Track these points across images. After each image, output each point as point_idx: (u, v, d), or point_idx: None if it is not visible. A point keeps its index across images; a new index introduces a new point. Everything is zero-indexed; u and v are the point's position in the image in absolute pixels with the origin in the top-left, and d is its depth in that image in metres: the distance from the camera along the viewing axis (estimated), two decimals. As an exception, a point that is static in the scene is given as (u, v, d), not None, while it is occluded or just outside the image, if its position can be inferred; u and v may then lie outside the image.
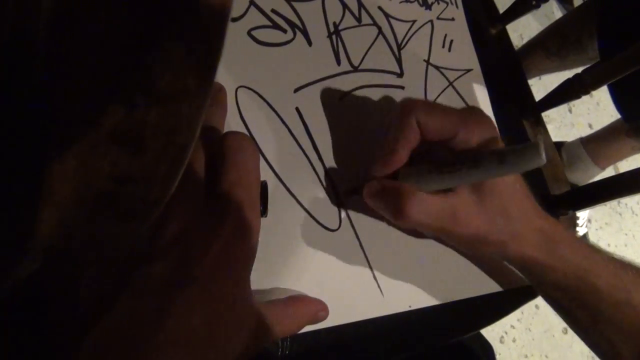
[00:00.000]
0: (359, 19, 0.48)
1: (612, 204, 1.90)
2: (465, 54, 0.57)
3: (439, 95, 0.51)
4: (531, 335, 1.50)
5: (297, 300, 0.33)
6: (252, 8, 0.41)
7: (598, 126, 1.74)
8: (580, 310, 0.41)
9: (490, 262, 0.46)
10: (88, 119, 0.12)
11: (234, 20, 0.39)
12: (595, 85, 0.59)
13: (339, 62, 0.45)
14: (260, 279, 0.34)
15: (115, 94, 0.12)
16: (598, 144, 1.49)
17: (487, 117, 0.39)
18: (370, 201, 0.38)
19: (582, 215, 1.63)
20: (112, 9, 0.11)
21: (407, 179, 0.37)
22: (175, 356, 0.22)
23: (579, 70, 0.64)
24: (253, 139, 0.38)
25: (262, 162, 0.37)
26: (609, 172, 1.56)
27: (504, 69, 0.63)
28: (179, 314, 0.23)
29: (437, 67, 0.52)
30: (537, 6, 0.64)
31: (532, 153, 0.31)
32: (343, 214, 0.40)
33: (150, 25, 0.11)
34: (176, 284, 0.23)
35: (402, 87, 0.48)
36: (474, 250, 0.41)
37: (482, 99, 0.56)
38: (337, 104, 0.43)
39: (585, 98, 0.62)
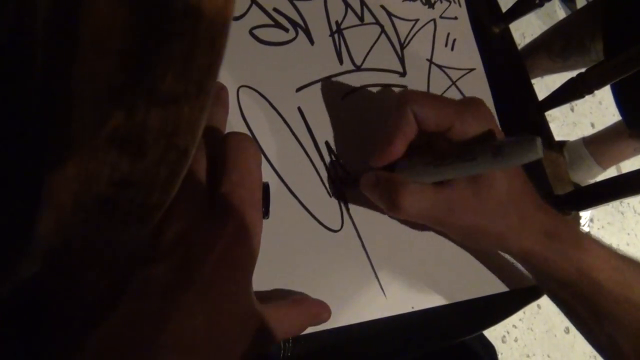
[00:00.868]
0: (361, 18, 0.48)
1: (615, 203, 1.90)
2: (468, 53, 0.56)
3: (442, 94, 0.51)
4: (533, 335, 1.50)
5: (300, 301, 0.33)
6: (254, 7, 0.41)
7: (600, 125, 1.73)
8: (581, 305, 0.40)
9: (493, 263, 0.46)
10: (88, 122, 0.12)
11: (236, 19, 0.39)
12: (599, 85, 0.59)
13: (341, 61, 0.44)
14: (262, 280, 0.34)
15: (115, 97, 0.11)
16: (600, 144, 1.48)
17: (485, 108, 0.39)
18: (366, 192, 0.38)
19: (585, 214, 1.62)
20: (113, 10, 0.10)
21: (403, 171, 0.37)
22: (177, 359, 0.22)
23: (582, 71, 0.63)
24: (255, 138, 0.37)
25: (264, 162, 0.37)
26: (611, 171, 1.56)
27: (507, 68, 0.63)
28: (181, 316, 0.22)
29: (440, 67, 0.52)
30: (541, 5, 0.64)
31: (529, 146, 0.30)
32: (345, 214, 0.39)
33: (151, 27, 0.11)
34: (178, 286, 0.23)
35: (405, 87, 0.48)
36: (471, 242, 0.41)
37: (485, 98, 0.55)
38: (339, 104, 0.43)
39: (587, 97, 0.62)
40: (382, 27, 0.49)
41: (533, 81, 0.69)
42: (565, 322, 1.54)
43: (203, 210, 0.25)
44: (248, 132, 0.37)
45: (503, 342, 1.43)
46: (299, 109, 0.40)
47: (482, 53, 0.57)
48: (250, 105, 0.38)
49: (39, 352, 0.22)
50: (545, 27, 1.36)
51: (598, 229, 1.82)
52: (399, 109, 0.37)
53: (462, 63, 0.55)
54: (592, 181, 1.55)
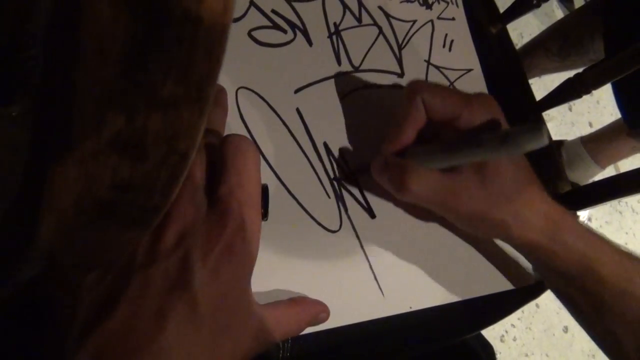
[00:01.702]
0: (359, 19, 0.48)
1: (613, 202, 1.90)
2: (465, 54, 0.56)
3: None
4: (531, 334, 1.50)
5: (298, 302, 0.33)
6: (252, 8, 0.41)
7: (598, 124, 1.73)
8: (583, 298, 0.40)
9: (491, 262, 0.46)
10: (88, 127, 0.12)
11: (234, 20, 0.39)
12: (597, 85, 0.59)
13: (339, 63, 0.45)
14: (261, 280, 0.34)
15: (116, 102, 0.12)
16: (598, 143, 1.49)
17: (492, 100, 0.40)
18: (376, 176, 0.39)
19: (583, 214, 1.62)
20: (113, 17, 0.10)
21: (413, 157, 0.38)
22: (176, 360, 0.22)
23: (580, 70, 0.63)
24: (253, 139, 0.38)
25: (263, 163, 0.37)
26: (609, 170, 1.56)
27: (505, 68, 0.63)
28: (180, 317, 0.22)
29: (437, 67, 0.52)
30: (538, 5, 0.64)
31: (534, 134, 0.31)
32: (344, 215, 0.39)
33: (151, 33, 0.11)
34: (177, 287, 0.23)
35: (403, 87, 0.48)
36: (473, 228, 0.41)
37: (483, 99, 0.55)
38: (337, 105, 0.43)
39: (585, 96, 0.62)
40: (380, 28, 0.49)
41: (531, 81, 0.69)
42: (564, 321, 1.54)
43: (202, 212, 0.26)
44: (247, 134, 0.37)
45: (501, 341, 1.43)
46: (298, 110, 0.40)
47: (480, 53, 0.58)
48: (248, 107, 0.38)
49: (38, 354, 0.22)
50: (543, 27, 1.36)
51: (596, 228, 1.82)
52: (410, 98, 0.38)
53: (459, 64, 0.55)
54: (590, 180, 1.56)
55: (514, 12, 0.65)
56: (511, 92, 0.63)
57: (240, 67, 0.39)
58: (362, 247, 0.39)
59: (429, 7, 0.55)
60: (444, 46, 0.54)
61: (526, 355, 1.47)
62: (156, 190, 0.14)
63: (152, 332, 0.22)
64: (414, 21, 0.53)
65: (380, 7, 0.50)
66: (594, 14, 1.12)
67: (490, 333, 1.41)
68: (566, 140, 1.61)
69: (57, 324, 0.22)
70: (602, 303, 0.39)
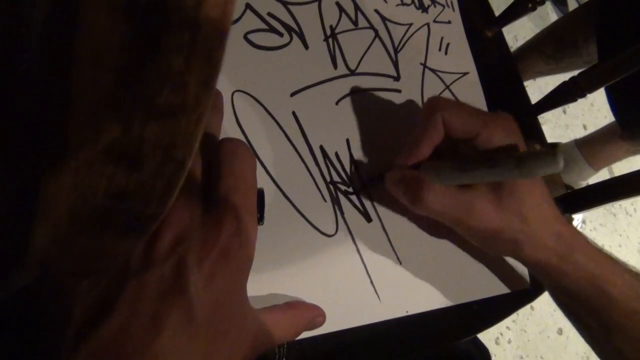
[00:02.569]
0: (355, 22, 0.48)
1: (607, 205, 1.91)
2: (461, 57, 0.57)
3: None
4: (526, 337, 1.51)
5: (294, 306, 0.33)
6: (248, 11, 0.41)
7: (592, 127, 1.74)
8: (592, 318, 0.41)
9: (486, 267, 0.46)
10: (84, 135, 0.12)
11: (230, 23, 0.39)
12: (592, 88, 0.59)
13: (335, 66, 0.45)
14: (256, 285, 0.34)
15: (112, 110, 0.11)
16: (592, 146, 1.49)
17: (512, 121, 0.40)
18: (391, 187, 0.40)
19: (577, 216, 1.63)
20: (110, 25, 0.10)
21: (427, 171, 0.38)
22: (172, 366, 0.22)
23: (574, 73, 0.64)
24: (249, 143, 0.37)
25: (259, 167, 0.37)
26: (603, 173, 1.57)
27: (500, 72, 0.63)
28: (176, 323, 0.22)
29: (433, 71, 0.52)
30: (533, 9, 0.64)
31: (550, 159, 0.31)
32: (340, 219, 0.39)
33: (148, 41, 0.11)
34: (173, 292, 0.23)
35: (399, 91, 0.48)
36: (487, 246, 0.41)
37: (478, 102, 0.56)
38: (333, 108, 0.43)
39: (579, 99, 0.63)
40: (376, 31, 0.49)
41: (526, 84, 0.69)
42: (559, 324, 1.55)
43: (198, 217, 0.25)
44: (242, 137, 0.37)
45: (496, 343, 1.44)
46: (294, 113, 0.40)
47: (476, 57, 0.58)
48: (244, 110, 0.38)
49: (32, 360, 0.22)
50: (537, 30, 1.37)
51: (590, 230, 1.83)
52: (429, 114, 0.38)
53: (455, 67, 0.55)
54: (584, 183, 1.56)
55: (510, 15, 0.65)
56: (507, 95, 0.63)
57: (236, 70, 0.39)
58: (358, 251, 0.39)
59: (425, 10, 0.55)
60: (439, 49, 0.55)
61: (521, 357, 1.48)
62: (152, 199, 0.14)
63: (148, 338, 0.22)
64: (410, 24, 0.53)
65: (376, 10, 0.50)
66: (587, 17, 1.12)
67: (485, 335, 1.41)
68: (560, 143, 1.62)
69: (51, 330, 0.22)
70: (612, 323, 0.40)
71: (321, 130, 0.41)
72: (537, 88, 1.73)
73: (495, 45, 0.65)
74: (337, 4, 0.47)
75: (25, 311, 0.21)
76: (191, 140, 0.13)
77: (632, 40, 0.59)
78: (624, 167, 1.63)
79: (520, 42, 1.43)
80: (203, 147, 0.28)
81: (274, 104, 0.40)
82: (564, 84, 0.62)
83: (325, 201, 0.39)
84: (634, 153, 1.40)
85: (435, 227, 0.44)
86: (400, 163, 0.39)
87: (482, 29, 0.64)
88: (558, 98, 0.63)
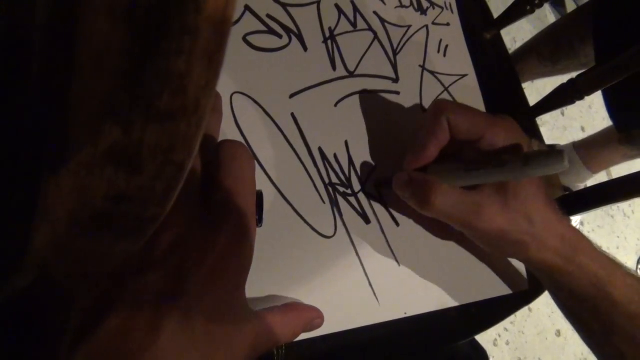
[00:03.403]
0: (354, 24, 0.48)
1: (605, 207, 1.91)
2: (460, 60, 0.57)
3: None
4: (524, 338, 1.51)
5: (293, 307, 0.33)
6: (248, 13, 0.41)
7: (590, 129, 1.75)
8: (594, 320, 0.41)
9: (485, 269, 0.46)
10: (84, 139, 0.12)
11: (229, 25, 0.39)
12: (590, 91, 0.59)
13: (334, 68, 0.45)
14: (255, 286, 0.34)
15: (112, 114, 0.11)
16: (590, 149, 1.50)
17: (515, 123, 0.41)
18: (399, 190, 0.40)
19: (575, 218, 1.63)
20: (110, 29, 0.10)
21: (434, 174, 0.39)
22: (170, 369, 0.22)
23: (571, 75, 0.64)
24: (248, 145, 0.37)
25: (258, 169, 0.37)
26: (601, 176, 1.57)
27: (499, 74, 0.64)
28: (174, 326, 0.22)
29: (432, 73, 0.52)
30: (532, 11, 0.65)
31: (556, 158, 0.32)
32: (338, 220, 0.39)
33: (148, 45, 0.11)
34: (171, 295, 0.23)
35: (398, 93, 0.48)
36: (493, 248, 0.42)
37: (477, 104, 0.56)
38: (332, 110, 0.43)
39: (577, 101, 0.63)
40: (375, 33, 0.49)
41: (524, 85, 0.69)
42: (557, 325, 1.55)
43: (196, 219, 0.25)
44: (241, 139, 0.37)
45: (495, 345, 1.44)
46: (293, 115, 0.40)
47: (474, 59, 0.58)
48: (243, 112, 0.38)
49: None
50: (536, 32, 1.37)
51: (588, 232, 1.84)
52: (435, 117, 0.39)
53: (454, 69, 0.55)
54: (581, 185, 1.57)
55: (508, 17, 0.65)
56: (505, 97, 0.63)
57: (235, 72, 0.39)
58: (356, 252, 0.39)
59: (424, 12, 0.55)
60: (438, 51, 0.55)
61: (519, 359, 1.48)
62: (152, 202, 0.14)
63: (146, 341, 0.22)
64: (409, 26, 0.53)
65: (375, 13, 0.50)
66: (584, 19, 1.13)
67: (483, 337, 1.41)
68: (559, 145, 1.62)
69: (49, 333, 0.22)
70: (613, 325, 0.40)
71: (320, 132, 0.41)
72: (535, 90, 1.73)
73: (494, 47, 0.65)
74: (336, 5, 0.47)
75: (24, 312, 0.21)
76: (191, 144, 0.13)
77: (628, 42, 0.60)
78: (622, 170, 1.64)
79: (519, 44, 1.43)
80: (202, 149, 0.28)
81: (273, 106, 0.40)
82: (562, 86, 0.63)
83: (324, 203, 0.39)
84: (632, 157, 1.40)
85: (433, 229, 0.44)
86: (407, 166, 0.40)
87: (480, 31, 0.64)
88: (556, 100, 0.63)
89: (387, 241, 0.41)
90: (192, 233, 0.25)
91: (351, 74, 0.45)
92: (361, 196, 0.41)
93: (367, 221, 0.41)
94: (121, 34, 0.10)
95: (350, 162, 0.42)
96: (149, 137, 0.12)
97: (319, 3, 0.46)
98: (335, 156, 0.41)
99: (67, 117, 0.11)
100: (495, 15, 0.67)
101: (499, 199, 0.38)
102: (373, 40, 0.49)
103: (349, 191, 0.41)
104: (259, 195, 0.30)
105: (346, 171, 0.41)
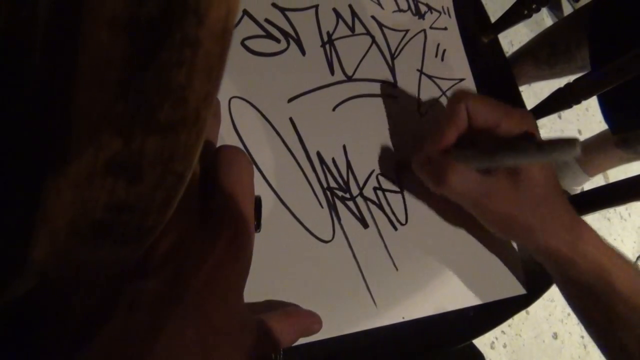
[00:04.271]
0: (352, 29, 0.48)
1: (601, 209, 1.91)
2: (457, 64, 0.57)
3: (432, 105, 0.51)
4: (521, 341, 1.51)
5: (291, 313, 0.33)
6: (246, 18, 0.41)
7: (587, 132, 1.75)
8: (597, 310, 0.42)
9: (483, 273, 0.46)
10: (84, 149, 0.12)
11: (228, 30, 0.39)
12: (587, 95, 0.60)
13: (332, 72, 0.45)
14: (254, 291, 0.34)
15: (112, 125, 0.11)
16: (587, 152, 1.50)
17: (531, 116, 0.43)
18: (418, 169, 0.42)
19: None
20: (112, 41, 0.10)
21: (451, 157, 0.40)
22: (169, 374, 0.22)
23: (568, 78, 0.64)
24: (246, 149, 0.37)
25: (256, 174, 0.37)
26: (597, 179, 1.58)
27: (496, 78, 0.64)
28: (172, 330, 0.22)
29: (430, 77, 0.53)
30: (529, 16, 0.65)
31: (569, 145, 0.34)
32: (337, 225, 0.39)
33: (149, 56, 0.11)
34: (169, 300, 0.23)
35: (396, 97, 0.48)
36: (502, 231, 0.43)
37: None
38: (330, 114, 0.43)
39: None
40: (373, 37, 0.49)
41: (521, 89, 0.69)
42: (554, 328, 1.55)
43: (195, 224, 0.25)
44: (239, 143, 0.37)
45: (492, 348, 1.44)
46: (291, 119, 0.40)
47: (472, 63, 0.58)
48: (242, 116, 0.38)
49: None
50: (532, 35, 1.38)
51: (585, 234, 1.83)
52: (454, 104, 0.41)
53: (452, 73, 0.55)
54: (578, 189, 1.57)
55: (506, 21, 0.66)
56: (503, 101, 0.63)
57: (233, 77, 0.39)
58: (354, 257, 0.39)
59: (422, 16, 0.55)
60: (436, 56, 0.55)
61: (516, 361, 1.48)
62: (152, 211, 0.14)
63: (145, 346, 0.22)
64: (407, 31, 0.53)
65: (373, 17, 0.50)
66: (580, 23, 1.13)
67: (480, 340, 1.41)
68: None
69: (48, 339, 0.21)
70: (616, 315, 0.41)
71: (318, 136, 0.41)
72: (532, 93, 1.74)
73: (491, 51, 0.65)
74: (334, 10, 0.47)
75: (24, 318, 0.21)
76: (191, 154, 0.13)
77: (624, 46, 0.60)
78: (618, 173, 1.64)
79: (516, 48, 1.43)
80: (200, 154, 0.28)
81: (271, 110, 0.40)
82: (558, 90, 0.63)
83: (322, 207, 0.39)
84: (628, 161, 1.41)
85: (432, 233, 0.44)
86: (426, 149, 0.42)
87: (478, 35, 0.64)
88: (553, 104, 0.64)
89: (385, 245, 0.41)
90: (190, 238, 0.25)
91: (349, 78, 0.45)
92: (359, 200, 0.41)
93: (365, 225, 0.41)
94: (122, 44, 0.10)
95: (349, 166, 0.42)
96: (149, 147, 0.12)
97: (317, 7, 0.46)
98: (333, 160, 0.41)
99: (67, 128, 0.11)
100: (493, 19, 0.67)
101: (511, 182, 0.40)
102: (371, 45, 0.49)
103: (347, 195, 0.41)
104: (257, 200, 0.30)
105: (344, 175, 0.41)
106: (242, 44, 0.40)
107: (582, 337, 1.56)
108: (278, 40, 0.42)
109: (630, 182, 0.54)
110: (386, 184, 0.43)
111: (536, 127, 0.42)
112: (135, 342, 0.22)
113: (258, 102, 0.39)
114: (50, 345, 0.22)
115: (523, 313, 1.53)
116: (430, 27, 0.56)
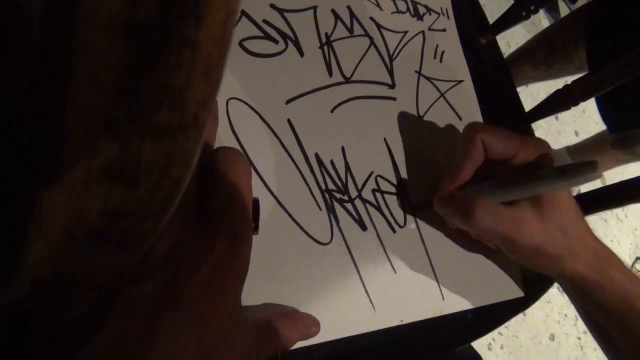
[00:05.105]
0: (351, 30, 0.48)
1: (598, 211, 1.92)
2: (456, 66, 0.57)
3: (430, 107, 0.51)
4: (519, 342, 1.51)
5: (289, 316, 0.32)
6: (244, 19, 0.41)
7: (584, 133, 1.75)
8: (622, 335, 0.42)
9: (481, 276, 0.46)
10: (80, 154, 0.11)
11: (226, 31, 0.39)
12: (585, 97, 0.60)
13: (331, 74, 0.44)
14: (252, 294, 0.33)
15: (109, 130, 0.11)
16: (584, 154, 1.50)
17: (547, 144, 0.43)
18: (441, 208, 0.41)
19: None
20: (108, 44, 0.10)
21: (472, 192, 0.40)
22: (165, 379, 0.21)
23: (566, 79, 0.64)
24: (244, 151, 0.37)
25: (254, 176, 0.37)
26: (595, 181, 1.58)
27: (495, 79, 0.64)
28: (169, 334, 0.22)
29: (428, 79, 0.52)
30: (527, 17, 0.65)
31: (590, 169, 0.35)
32: (335, 227, 0.39)
33: (147, 61, 0.10)
34: (167, 303, 0.22)
35: (394, 99, 0.48)
36: (531, 262, 0.42)
37: (474, 110, 0.56)
38: (329, 116, 0.43)
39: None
40: (371, 39, 0.49)
41: (518, 90, 0.69)
42: (551, 329, 1.55)
43: (193, 227, 0.25)
44: (238, 145, 0.37)
45: (489, 349, 1.44)
46: (289, 121, 0.40)
47: (470, 65, 0.58)
48: (239, 118, 0.38)
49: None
50: (530, 37, 1.38)
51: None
52: (470, 138, 0.41)
53: (450, 75, 0.55)
54: (575, 190, 1.57)
55: (504, 23, 0.66)
56: (501, 103, 0.63)
57: (231, 78, 0.39)
58: (353, 260, 0.39)
59: (421, 18, 0.55)
60: (435, 57, 0.55)
61: (513, 363, 1.48)
62: (149, 216, 0.14)
63: (141, 350, 0.21)
64: (406, 32, 0.53)
65: (372, 18, 0.50)
66: (577, 24, 1.13)
67: (478, 341, 1.41)
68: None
69: (44, 344, 0.21)
70: None
71: (317, 138, 0.41)
72: (529, 95, 1.74)
73: (490, 53, 0.65)
74: (333, 11, 0.47)
75: (19, 323, 0.21)
76: (189, 159, 0.13)
77: (621, 47, 0.60)
78: (616, 175, 1.64)
79: (514, 49, 1.43)
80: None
81: (269, 112, 0.39)
82: (557, 92, 0.63)
83: (321, 210, 0.39)
84: (625, 162, 1.41)
85: (431, 236, 0.44)
86: (445, 187, 0.41)
87: (476, 37, 0.64)
88: (551, 106, 0.64)
89: (384, 248, 0.41)
90: (188, 241, 0.24)
91: (348, 80, 0.45)
92: (358, 203, 0.41)
93: (364, 228, 0.41)
94: (119, 47, 0.10)
95: (347, 168, 0.42)
96: (146, 152, 0.12)
97: (315, 9, 0.46)
98: (332, 162, 0.41)
99: (62, 132, 0.11)
100: (491, 21, 0.67)
101: (535, 212, 0.39)
102: (370, 46, 0.49)
103: (345, 198, 0.41)
104: (256, 203, 0.30)
105: (343, 177, 0.41)
106: (241, 45, 0.40)
107: (579, 338, 1.57)
108: (276, 42, 0.42)
109: (627, 184, 0.54)
110: (385, 187, 0.43)
111: (552, 154, 0.42)
112: (132, 346, 0.21)
113: (256, 104, 0.39)
114: (46, 349, 0.21)
115: (520, 315, 1.53)
116: (429, 29, 0.56)
